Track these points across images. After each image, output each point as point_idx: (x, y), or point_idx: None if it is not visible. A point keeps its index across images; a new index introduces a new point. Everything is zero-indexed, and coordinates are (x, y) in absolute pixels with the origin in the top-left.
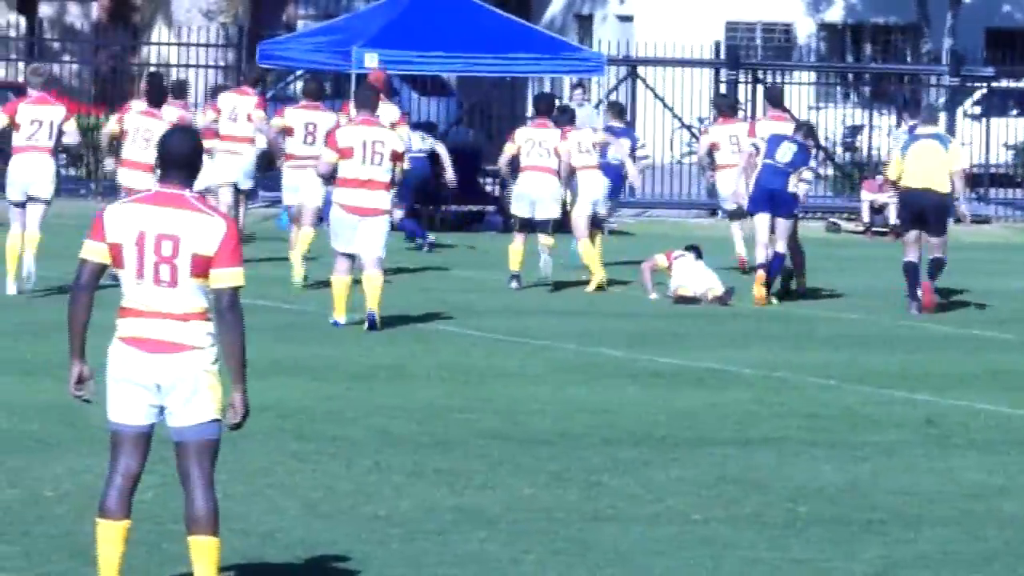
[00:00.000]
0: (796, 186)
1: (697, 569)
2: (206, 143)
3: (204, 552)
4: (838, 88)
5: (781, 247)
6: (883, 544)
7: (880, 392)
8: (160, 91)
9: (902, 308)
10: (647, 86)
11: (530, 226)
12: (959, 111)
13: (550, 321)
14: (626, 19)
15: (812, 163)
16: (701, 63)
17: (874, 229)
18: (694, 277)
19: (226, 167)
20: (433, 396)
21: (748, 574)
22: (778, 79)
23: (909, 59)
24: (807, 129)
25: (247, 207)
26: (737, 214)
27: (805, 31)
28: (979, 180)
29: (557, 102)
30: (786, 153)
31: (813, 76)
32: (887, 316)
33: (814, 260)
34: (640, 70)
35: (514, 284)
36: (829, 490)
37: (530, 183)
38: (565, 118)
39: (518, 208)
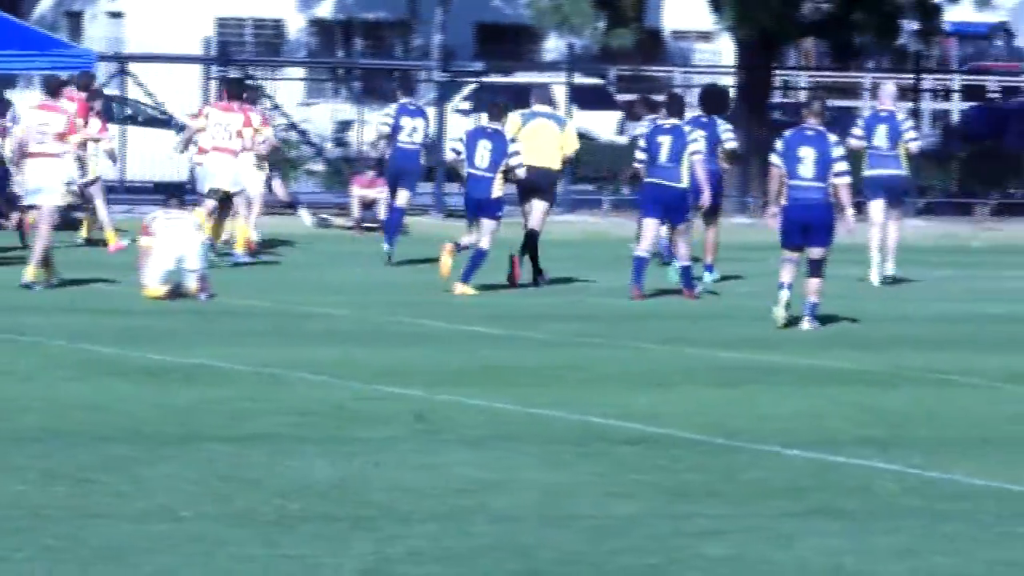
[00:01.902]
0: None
1: (188, 567)
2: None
3: None
4: (329, 83)
5: (485, 243)
6: (374, 540)
7: (371, 388)
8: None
9: (392, 303)
10: (137, 83)
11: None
12: (448, 106)
13: (40, 318)
14: (117, 15)
15: (511, 151)
16: (191, 59)
17: (364, 225)
18: (173, 240)
19: None
20: None
21: (239, 571)
22: (267, 75)
23: (400, 54)
24: (503, 107)
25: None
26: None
27: (296, 26)
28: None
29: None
30: (483, 157)
31: (304, 72)
32: (377, 312)
33: (304, 255)
34: (131, 67)
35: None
36: (320, 486)
37: (213, 162)
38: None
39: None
